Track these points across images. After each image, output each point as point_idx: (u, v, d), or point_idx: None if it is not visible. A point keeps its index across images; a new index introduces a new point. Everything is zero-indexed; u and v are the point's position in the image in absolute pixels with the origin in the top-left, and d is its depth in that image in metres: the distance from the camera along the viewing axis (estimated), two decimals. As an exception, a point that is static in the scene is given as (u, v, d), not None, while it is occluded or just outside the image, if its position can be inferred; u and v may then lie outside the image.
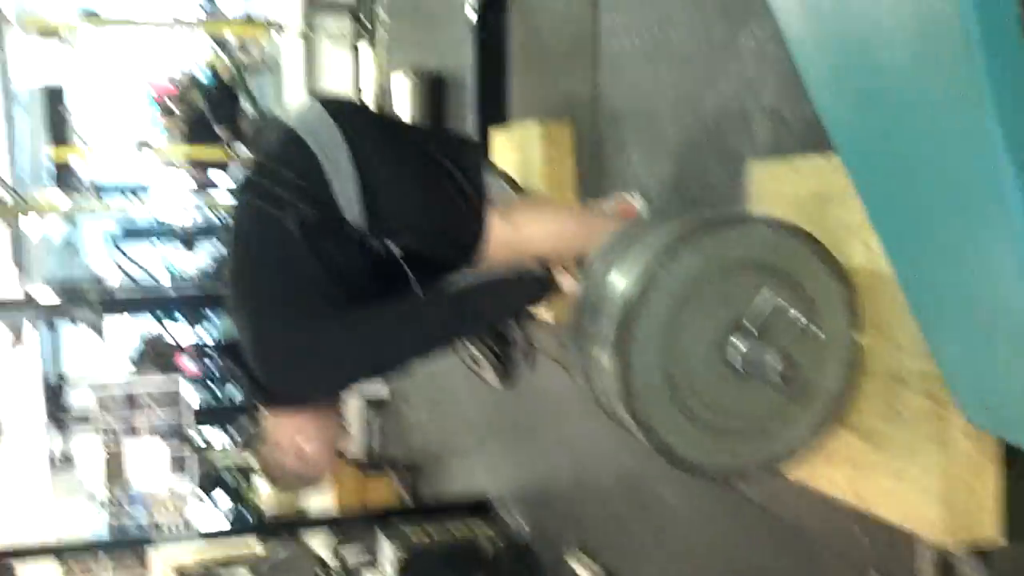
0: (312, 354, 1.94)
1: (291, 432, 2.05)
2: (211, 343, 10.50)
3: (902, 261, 1.19)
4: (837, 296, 1.46)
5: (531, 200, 2.70)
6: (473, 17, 3.47)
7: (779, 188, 1.68)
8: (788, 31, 1.16)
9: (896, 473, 1.42)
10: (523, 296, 2.21)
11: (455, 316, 2.08)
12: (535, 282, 2.13)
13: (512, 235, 2.10)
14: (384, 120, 2.30)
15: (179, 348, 9.46)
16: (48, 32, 7.91)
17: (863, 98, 1.08)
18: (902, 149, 1.06)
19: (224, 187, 9.07)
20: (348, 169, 1.94)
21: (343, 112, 2.04)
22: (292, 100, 6.59)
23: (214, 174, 8.81)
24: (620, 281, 1.50)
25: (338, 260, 1.98)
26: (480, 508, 3.99)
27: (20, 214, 5.34)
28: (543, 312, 2.79)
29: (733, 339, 1.44)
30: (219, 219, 10.75)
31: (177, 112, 10.37)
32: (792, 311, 1.43)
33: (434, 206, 2.05)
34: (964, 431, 1.32)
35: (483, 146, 3.18)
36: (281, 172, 1.95)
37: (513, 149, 2.99)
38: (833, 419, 1.51)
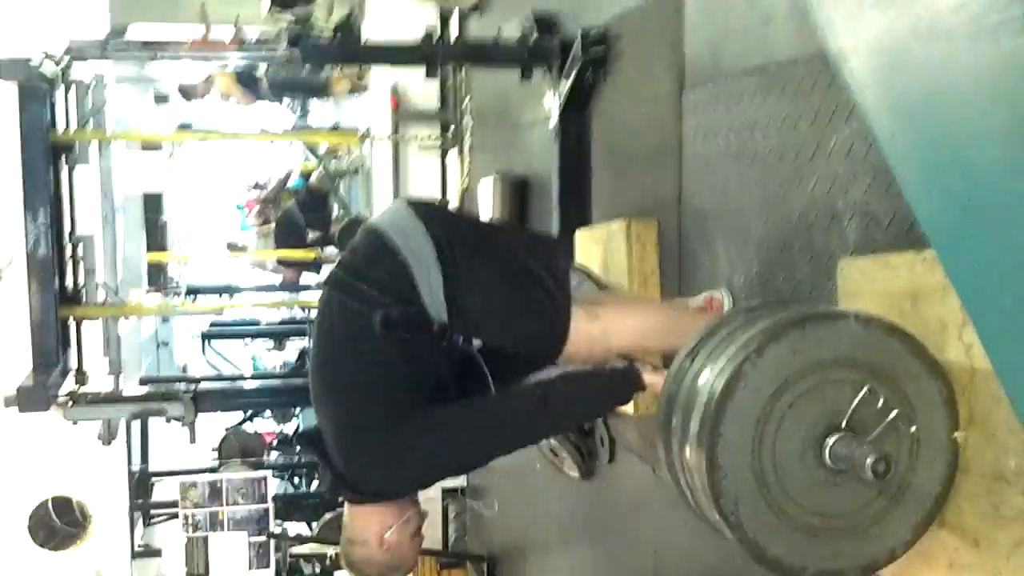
0: (395, 451, 1.97)
1: (375, 526, 2.07)
2: (292, 435, 10.64)
3: (1003, 357, 1.18)
4: (934, 393, 1.45)
5: (615, 296, 2.73)
6: (555, 121, 3.58)
7: (870, 285, 1.69)
8: (878, 132, 1.18)
9: (997, 574, 1.38)
10: (610, 396, 2.20)
11: (541, 414, 2.08)
12: (623, 382, 2.12)
13: (596, 331, 2.12)
14: (470, 220, 2.36)
15: (261, 438, 9.59)
16: (149, 145, 8.34)
17: (958, 198, 1.10)
18: (1000, 249, 1.06)
19: (313, 288, 9.30)
20: (434, 269, 2.00)
21: (431, 214, 2.11)
22: (381, 204, 6.80)
23: (306, 276, 9.04)
24: (708, 377, 1.51)
25: (422, 358, 2.02)
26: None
27: (119, 316, 5.54)
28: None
29: (827, 437, 1.43)
30: (307, 318, 11.00)
31: (268, 216, 10.76)
32: (887, 407, 1.43)
33: (518, 303, 2.09)
34: (1071, 532, 1.28)
35: (567, 244, 3.24)
36: (369, 270, 2.01)
37: (597, 247, 3.04)
38: (932, 520, 1.48)
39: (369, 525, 2.08)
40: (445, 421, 2.02)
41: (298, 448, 9.17)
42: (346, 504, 2.15)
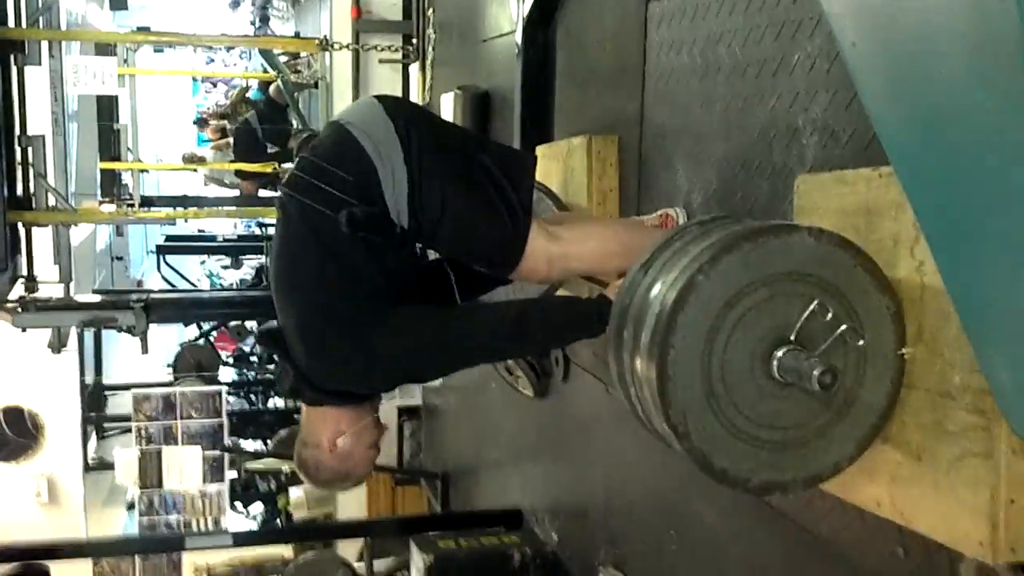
0: (358, 346, 1.94)
1: (331, 429, 2.05)
2: (249, 350, 10.62)
3: (955, 273, 1.17)
4: (883, 309, 1.45)
5: (575, 217, 2.71)
6: (519, 35, 3.50)
7: (826, 201, 1.67)
8: (842, 41, 1.15)
9: (940, 488, 1.40)
10: (583, 328, 2.13)
11: (512, 333, 2.04)
12: (597, 315, 2.04)
13: (555, 251, 2.10)
14: (440, 123, 2.30)
15: (216, 352, 9.55)
16: (103, 48, 8.09)
17: (919, 108, 1.08)
18: (958, 159, 1.05)
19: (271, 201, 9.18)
20: (400, 172, 1.95)
21: (401, 110, 2.05)
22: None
23: (264, 191, 8.91)
24: (660, 289, 1.49)
25: (387, 261, 1.99)
26: (511, 520, 3.98)
27: (69, 222, 5.43)
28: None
29: (775, 350, 1.43)
30: (264, 235, 10.90)
31: (226, 131, 10.56)
32: (835, 322, 1.43)
33: (478, 215, 2.06)
34: (1012, 446, 1.30)
35: (532, 160, 3.20)
36: (332, 170, 1.95)
37: (558, 164, 3.01)
38: (877, 434, 1.49)
39: (324, 428, 2.06)
40: (411, 321, 1.99)
41: (260, 346, 9.13)
42: (304, 406, 2.13)
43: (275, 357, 2.11)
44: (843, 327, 1.42)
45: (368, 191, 1.94)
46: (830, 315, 1.42)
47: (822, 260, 1.43)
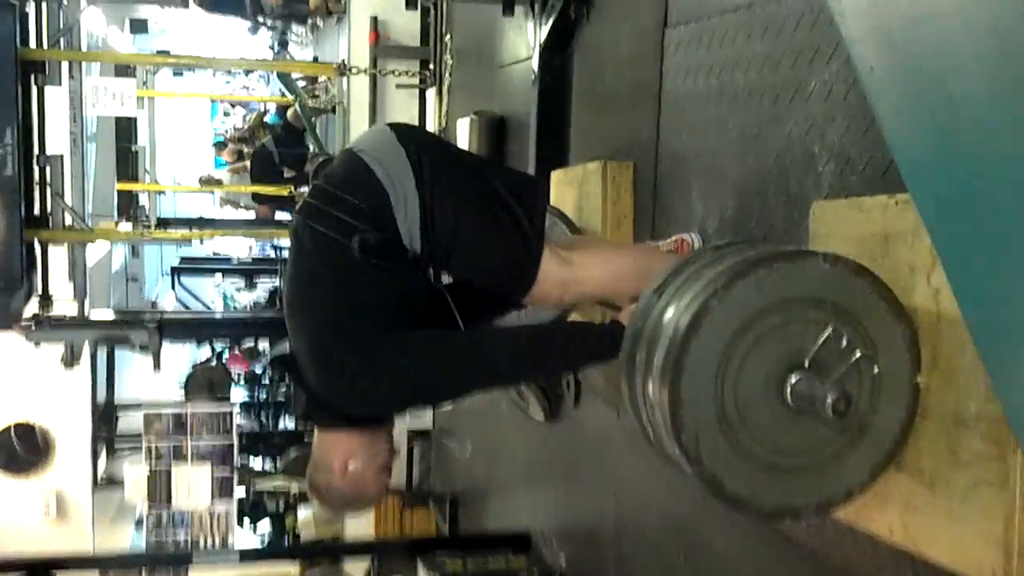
0: (369, 368, 1.94)
1: (342, 453, 2.04)
2: (260, 371, 10.63)
3: (971, 300, 1.17)
4: (898, 336, 1.45)
5: (588, 241, 2.71)
6: (536, 61, 3.53)
7: (842, 228, 1.67)
8: (861, 66, 1.16)
9: (952, 516, 1.39)
10: (597, 353, 2.12)
11: (524, 358, 2.04)
12: (611, 341, 2.01)
13: (568, 276, 2.10)
14: (453, 151, 2.31)
15: (228, 371, 9.57)
16: (123, 70, 8.17)
17: (937, 132, 1.08)
18: (976, 183, 1.05)
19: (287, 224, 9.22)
20: (412, 198, 1.97)
21: (412, 138, 2.06)
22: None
23: (280, 214, 8.96)
24: (674, 313, 1.49)
25: (399, 287, 1.99)
26: (519, 542, 3.97)
27: (85, 241, 5.47)
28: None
29: (789, 375, 1.43)
30: (279, 257, 10.94)
31: (243, 154, 10.64)
32: (850, 348, 1.42)
33: (490, 239, 2.06)
34: (1025, 474, 1.29)
35: (544, 185, 3.21)
36: (344, 197, 1.97)
37: (573, 189, 3.01)
38: (890, 461, 1.48)
39: (336, 452, 2.05)
40: (422, 342, 1.99)
41: (272, 371, 9.13)
42: (317, 429, 2.13)
43: (288, 381, 2.12)
44: (858, 354, 1.42)
45: (380, 218, 1.95)
46: (845, 342, 1.42)
47: (837, 286, 1.42)
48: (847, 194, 1.78)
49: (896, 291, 1.46)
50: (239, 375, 10.80)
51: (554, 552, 3.71)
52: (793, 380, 1.42)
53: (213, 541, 6.72)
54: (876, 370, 1.44)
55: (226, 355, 10.58)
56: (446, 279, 2.17)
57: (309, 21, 9.62)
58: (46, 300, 5.09)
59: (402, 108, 6.51)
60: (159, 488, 6.83)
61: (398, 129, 2.08)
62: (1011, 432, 1.25)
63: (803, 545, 1.96)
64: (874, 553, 1.71)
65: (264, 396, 10.72)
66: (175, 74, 15.09)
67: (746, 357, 1.42)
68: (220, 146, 13.30)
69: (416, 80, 6.43)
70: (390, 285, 1.98)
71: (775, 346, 1.42)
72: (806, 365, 1.42)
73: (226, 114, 15.99)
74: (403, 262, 1.98)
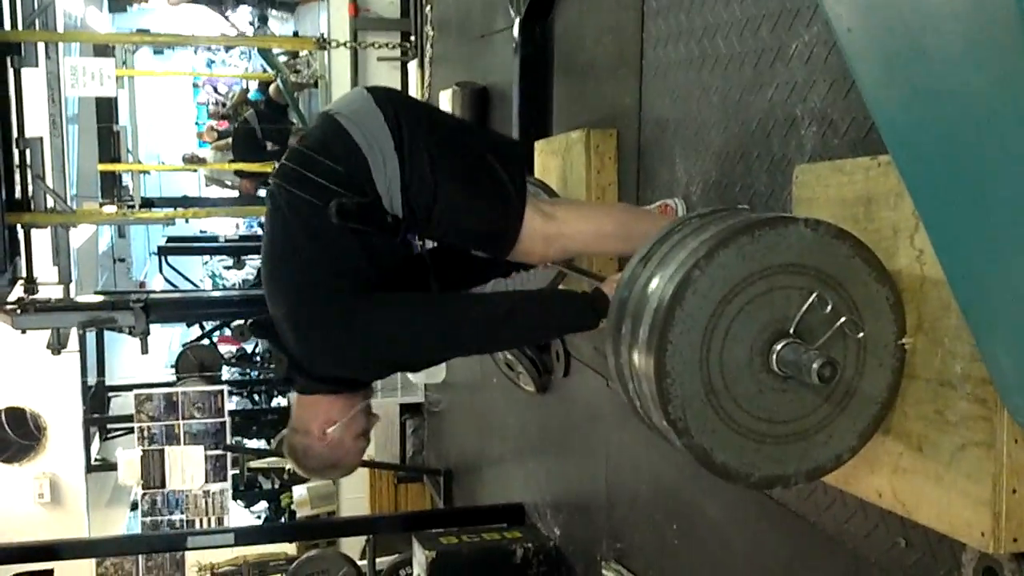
0: (349, 329, 1.93)
1: (321, 416, 2.04)
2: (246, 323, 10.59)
3: (955, 261, 1.16)
4: (882, 299, 1.44)
5: (571, 199, 2.70)
6: (517, 30, 3.49)
7: (825, 191, 1.66)
8: (838, 27, 1.14)
9: (941, 478, 1.39)
10: (576, 319, 2.12)
11: (504, 323, 2.04)
12: (592, 308, 2.04)
13: (551, 230, 2.08)
14: (429, 110, 2.28)
15: (218, 352, 9.55)
16: (102, 49, 8.09)
17: (915, 92, 1.06)
18: (957, 142, 1.03)
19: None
20: (392, 160, 1.95)
21: (390, 100, 2.04)
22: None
23: (263, 191, 8.92)
24: (658, 283, 1.48)
25: (377, 249, 1.97)
26: (513, 515, 3.98)
27: (68, 223, 5.43)
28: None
29: (774, 343, 1.42)
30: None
31: (225, 127, 10.55)
32: (835, 314, 1.41)
33: (472, 198, 2.04)
34: (1014, 435, 1.28)
35: (525, 148, 3.19)
36: (321, 160, 1.94)
37: (556, 158, 2.99)
38: (878, 426, 1.48)
39: (315, 415, 2.05)
40: (401, 302, 1.98)
41: (252, 336, 9.11)
42: (296, 393, 2.12)
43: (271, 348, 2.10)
44: (842, 319, 1.41)
45: (358, 181, 1.93)
46: (829, 307, 1.41)
47: (820, 252, 1.41)
48: (830, 157, 1.77)
49: (880, 253, 1.45)
50: (230, 354, 10.77)
51: (548, 524, 3.73)
52: (778, 348, 1.41)
53: (208, 522, 6.73)
54: (861, 335, 1.43)
55: (216, 335, 10.55)
56: (429, 244, 2.16)
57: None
58: (31, 284, 5.06)
59: (384, 81, 6.45)
60: (152, 470, 6.83)
61: (376, 92, 2.06)
62: (996, 392, 1.25)
63: (794, 510, 1.96)
64: (864, 517, 1.72)
65: (255, 374, 10.70)
66: (156, 52, 14.95)
67: (731, 326, 1.41)
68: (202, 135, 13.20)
69: (397, 52, 6.38)
70: (368, 250, 1.96)
71: (760, 314, 1.41)
72: (791, 332, 1.41)
73: (209, 100, 15.81)
74: (382, 226, 1.96)
